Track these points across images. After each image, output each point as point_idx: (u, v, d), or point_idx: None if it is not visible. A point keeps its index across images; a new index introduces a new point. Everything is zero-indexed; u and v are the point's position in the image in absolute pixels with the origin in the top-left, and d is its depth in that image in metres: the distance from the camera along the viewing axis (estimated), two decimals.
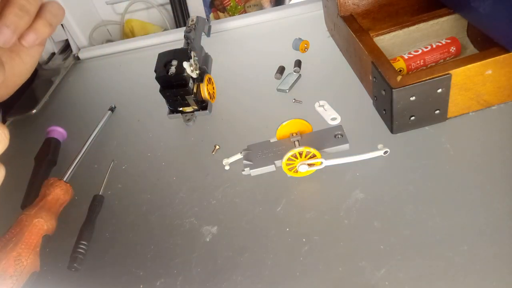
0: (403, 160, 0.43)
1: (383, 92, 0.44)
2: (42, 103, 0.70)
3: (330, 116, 0.51)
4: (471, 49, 0.51)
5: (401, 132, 0.46)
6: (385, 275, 0.34)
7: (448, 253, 0.35)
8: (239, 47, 0.71)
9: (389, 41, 0.53)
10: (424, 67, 0.51)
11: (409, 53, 0.50)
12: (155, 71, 0.53)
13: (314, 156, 0.42)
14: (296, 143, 0.45)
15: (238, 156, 0.48)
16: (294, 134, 0.46)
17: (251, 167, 0.44)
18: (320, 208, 0.41)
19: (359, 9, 0.56)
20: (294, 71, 0.60)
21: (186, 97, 0.53)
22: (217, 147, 0.51)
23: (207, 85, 0.56)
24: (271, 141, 0.47)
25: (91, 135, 0.57)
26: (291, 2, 0.86)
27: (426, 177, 0.41)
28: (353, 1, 0.55)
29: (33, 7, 0.32)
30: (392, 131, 0.45)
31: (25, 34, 0.32)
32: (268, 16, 0.76)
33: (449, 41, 0.50)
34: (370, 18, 0.57)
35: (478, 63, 0.41)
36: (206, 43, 0.64)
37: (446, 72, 0.41)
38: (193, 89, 0.54)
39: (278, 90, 0.58)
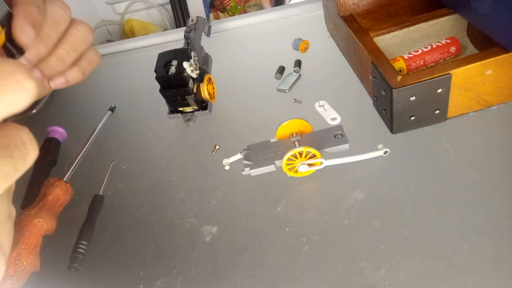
0: (403, 160, 0.43)
1: (383, 92, 0.44)
2: (42, 103, 0.70)
3: (330, 116, 0.51)
4: (471, 49, 0.51)
5: (401, 132, 0.46)
6: (385, 275, 0.34)
7: (448, 253, 0.35)
8: (239, 47, 0.71)
9: (389, 41, 0.53)
10: (424, 67, 0.51)
11: (409, 53, 0.50)
12: (155, 71, 0.53)
13: (314, 156, 0.42)
14: (296, 143, 0.45)
15: (238, 156, 0.48)
16: (294, 134, 0.46)
17: (251, 167, 0.44)
18: (320, 208, 0.41)
19: (359, 9, 0.56)
20: (294, 71, 0.60)
21: (186, 97, 0.53)
22: (217, 147, 0.51)
23: (207, 85, 0.56)
24: (271, 141, 0.47)
25: (91, 135, 0.57)
26: (291, 2, 0.86)
27: (426, 177, 0.41)
28: (353, 1, 0.55)
29: (72, 59, 0.32)
30: (392, 131, 0.45)
31: (55, 77, 0.32)
32: (268, 16, 0.76)
33: (449, 41, 0.50)
34: (370, 18, 0.57)
35: (478, 63, 0.41)
36: (206, 43, 0.64)
37: (446, 72, 0.41)
38: (193, 89, 0.54)
39: (278, 90, 0.58)
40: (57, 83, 0.33)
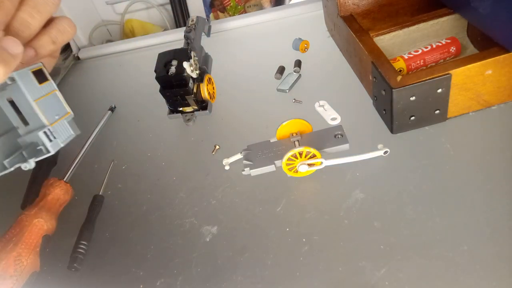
0: (403, 160, 0.43)
1: (383, 92, 0.44)
2: None
3: (330, 116, 0.51)
4: (471, 49, 0.51)
5: (401, 132, 0.46)
6: (385, 275, 0.34)
7: (448, 253, 0.35)
8: (239, 47, 0.71)
9: (389, 41, 0.53)
10: (424, 67, 0.51)
11: (409, 53, 0.50)
12: (155, 71, 0.53)
13: (314, 156, 0.42)
14: (296, 143, 0.45)
15: (238, 156, 0.48)
16: (294, 134, 0.46)
17: (251, 167, 0.44)
18: (320, 208, 0.41)
19: (359, 9, 0.56)
20: (294, 71, 0.60)
21: (186, 97, 0.53)
22: (217, 147, 0.51)
23: (207, 85, 0.56)
24: (271, 141, 0.47)
25: (91, 135, 0.57)
26: (291, 2, 0.86)
27: (426, 177, 0.41)
28: (353, 1, 0.55)
29: (37, 22, 0.30)
30: (392, 131, 0.45)
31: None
32: (268, 16, 0.76)
33: (449, 41, 0.50)
34: (370, 18, 0.57)
35: (478, 63, 0.41)
36: (206, 43, 0.64)
37: (446, 72, 0.41)
38: (193, 89, 0.54)
39: (278, 90, 0.58)
40: (26, 55, 0.30)
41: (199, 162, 0.51)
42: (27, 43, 0.31)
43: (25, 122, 0.34)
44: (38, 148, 0.34)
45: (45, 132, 0.33)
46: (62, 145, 0.35)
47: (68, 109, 0.37)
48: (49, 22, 0.32)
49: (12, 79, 0.31)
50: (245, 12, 0.92)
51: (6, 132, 0.35)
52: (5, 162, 0.34)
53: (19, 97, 0.32)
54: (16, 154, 0.34)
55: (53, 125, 0.34)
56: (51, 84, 0.34)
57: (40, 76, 0.33)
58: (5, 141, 0.35)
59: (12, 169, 0.34)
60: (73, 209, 0.47)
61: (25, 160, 0.34)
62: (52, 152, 0.34)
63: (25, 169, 0.34)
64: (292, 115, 0.46)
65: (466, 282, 0.33)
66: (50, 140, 0.34)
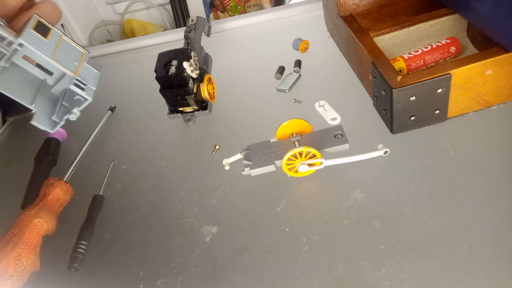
0: (403, 160, 0.43)
1: (383, 92, 0.44)
2: None
3: (330, 116, 0.51)
4: (471, 49, 0.51)
5: (401, 132, 0.46)
6: (385, 275, 0.34)
7: (448, 253, 0.35)
8: (239, 47, 0.71)
9: (389, 41, 0.53)
10: (424, 67, 0.51)
11: (409, 53, 0.50)
12: (155, 71, 0.53)
13: (314, 156, 0.42)
14: (296, 143, 0.45)
15: (238, 156, 0.48)
16: (294, 134, 0.46)
17: (251, 167, 0.44)
18: (320, 208, 0.41)
19: (359, 9, 0.56)
20: (294, 71, 0.60)
21: (186, 97, 0.53)
22: (217, 147, 0.51)
23: (207, 85, 0.56)
24: (271, 141, 0.47)
25: (91, 135, 0.57)
26: (291, 2, 0.86)
27: (426, 177, 0.41)
28: (353, 1, 0.55)
29: (13, 1, 0.30)
30: (392, 131, 0.45)
31: None
32: (268, 16, 0.76)
33: (449, 41, 0.50)
34: (370, 18, 0.57)
35: (478, 63, 0.41)
36: (206, 43, 0.64)
37: (446, 72, 0.41)
38: (193, 89, 0.54)
39: (278, 90, 0.58)
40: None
41: (199, 162, 0.51)
42: (7, 25, 0.30)
43: (49, 73, 0.34)
44: (76, 98, 0.34)
45: (75, 84, 0.34)
46: (94, 88, 0.36)
47: (81, 49, 0.37)
48: (32, 5, 0.32)
49: (21, 45, 0.30)
50: (245, 12, 0.92)
51: (38, 89, 0.35)
52: (54, 118, 0.35)
53: (34, 57, 0.32)
54: (58, 108, 0.35)
55: (78, 73, 0.35)
56: (55, 32, 0.34)
57: (42, 29, 0.32)
58: (44, 99, 0.35)
59: (62, 122, 0.35)
60: (73, 209, 0.47)
61: (69, 111, 0.34)
62: (90, 99, 0.36)
63: (73, 119, 0.36)
64: (292, 115, 0.46)
65: (466, 282, 0.33)
66: (83, 89, 0.35)
